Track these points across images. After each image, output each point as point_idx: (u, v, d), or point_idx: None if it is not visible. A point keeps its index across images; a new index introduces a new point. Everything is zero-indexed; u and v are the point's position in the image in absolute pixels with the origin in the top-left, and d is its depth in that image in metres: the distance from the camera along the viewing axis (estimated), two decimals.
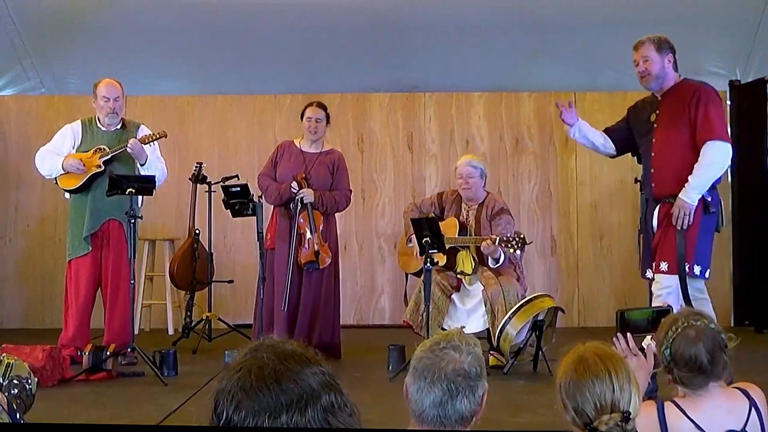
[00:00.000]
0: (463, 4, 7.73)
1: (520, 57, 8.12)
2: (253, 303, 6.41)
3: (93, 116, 6.17)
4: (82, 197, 6.02)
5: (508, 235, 5.74)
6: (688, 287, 4.85)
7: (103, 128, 6.11)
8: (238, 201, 5.88)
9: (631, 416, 2.09)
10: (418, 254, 6.00)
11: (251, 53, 8.14)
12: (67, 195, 6.17)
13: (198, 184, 7.17)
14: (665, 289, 4.87)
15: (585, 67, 8.08)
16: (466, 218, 6.17)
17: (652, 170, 5.01)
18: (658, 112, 5.06)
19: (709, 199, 4.91)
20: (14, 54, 8.19)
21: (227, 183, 6.33)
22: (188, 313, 7.00)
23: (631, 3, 7.69)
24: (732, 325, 7.84)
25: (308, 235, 6.07)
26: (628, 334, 2.81)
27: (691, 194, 4.82)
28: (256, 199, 6.06)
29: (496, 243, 5.72)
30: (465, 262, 6.05)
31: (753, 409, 2.57)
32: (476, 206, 6.17)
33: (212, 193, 7.11)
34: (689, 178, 4.83)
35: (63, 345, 5.92)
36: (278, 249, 6.12)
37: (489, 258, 5.92)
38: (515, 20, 7.79)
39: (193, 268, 7.02)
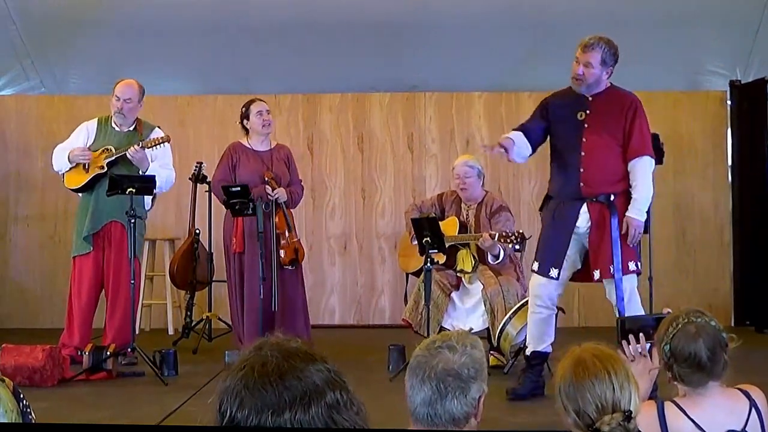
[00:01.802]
0: (463, 4, 7.73)
1: (520, 57, 8.12)
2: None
3: (110, 115, 6.16)
4: (87, 197, 6.03)
5: (507, 231, 5.76)
6: (634, 286, 5.02)
7: (116, 128, 6.10)
8: (238, 201, 5.88)
9: (633, 415, 2.09)
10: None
11: (251, 53, 8.14)
12: (76, 193, 6.18)
13: (198, 184, 7.17)
14: (624, 291, 4.94)
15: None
16: (466, 218, 6.18)
17: (582, 169, 5.00)
18: (588, 111, 5.04)
19: None
20: (14, 54, 8.19)
21: (227, 183, 6.33)
22: (188, 313, 7.00)
23: (632, 3, 7.69)
24: (732, 325, 7.84)
25: (286, 233, 6.08)
26: (641, 335, 2.80)
27: (642, 211, 5.00)
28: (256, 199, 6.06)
29: (495, 238, 5.74)
30: (465, 260, 6.06)
31: (753, 409, 2.57)
32: (475, 205, 6.19)
33: (212, 193, 7.10)
34: (637, 197, 4.98)
35: (64, 344, 5.93)
36: (252, 251, 6.02)
37: (488, 254, 5.93)
38: (515, 20, 7.79)
39: (193, 268, 7.02)
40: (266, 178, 6.08)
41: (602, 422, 2.08)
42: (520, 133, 5.16)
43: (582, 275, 5.15)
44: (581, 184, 4.99)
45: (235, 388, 1.51)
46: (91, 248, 5.98)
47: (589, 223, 5.00)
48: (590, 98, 5.07)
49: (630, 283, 4.97)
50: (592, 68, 4.98)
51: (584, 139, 5.01)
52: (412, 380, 2.17)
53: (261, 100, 6.36)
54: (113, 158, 5.93)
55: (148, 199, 6.04)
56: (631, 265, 4.97)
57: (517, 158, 5.17)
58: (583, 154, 5.00)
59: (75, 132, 6.18)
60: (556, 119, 5.14)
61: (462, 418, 2.14)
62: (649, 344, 2.75)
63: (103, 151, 5.98)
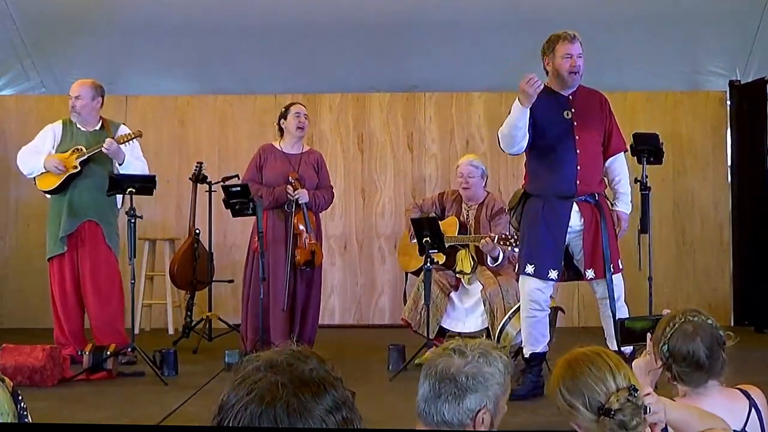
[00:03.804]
0: (463, 4, 7.73)
1: (520, 57, 8.09)
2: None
3: None
4: (60, 198, 5.99)
5: (507, 233, 5.77)
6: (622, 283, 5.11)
7: (82, 129, 6.08)
8: (239, 201, 5.88)
9: (637, 389, 2.11)
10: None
11: (251, 53, 8.14)
12: (48, 194, 6.15)
13: (198, 184, 7.18)
14: (618, 286, 5.03)
15: (585, 67, 8.07)
16: (467, 218, 6.19)
17: (579, 167, 4.97)
18: (573, 110, 5.03)
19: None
20: (14, 54, 8.19)
21: (227, 183, 6.34)
22: (188, 313, 7.00)
23: (632, 3, 7.69)
24: (732, 324, 7.84)
25: (304, 235, 6.08)
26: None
27: (630, 205, 5.14)
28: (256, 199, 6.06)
29: (495, 241, 5.75)
30: (464, 261, 6.07)
31: (753, 409, 2.57)
32: (476, 206, 6.20)
33: (212, 192, 7.12)
34: (624, 191, 5.11)
35: (60, 343, 5.92)
36: (273, 250, 6.08)
37: (488, 257, 5.94)
38: (515, 20, 7.79)
39: (194, 268, 7.02)
40: (290, 179, 6.09)
41: (610, 402, 2.10)
42: None
43: (562, 274, 5.14)
44: (578, 181, 4.98)
45: (239, 413, 1.47)
46: (66, 248, 5.97)
47: (583, 223, 5.00)
48: (570, 97, 5.06)
49: (620, 280, 5.05)
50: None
51: (577, 137, 5.01)
52: (421, 375, 2.22)
53: (301, 104, 6.41)
54: (85, 157, 5.92)
55: (119, 199, 6.01)
56: (620, 263, 5.07)
57: (524, 121, 4.87)
58: (578, 151, 5.00)
59: (40, 134, 6.12)
60: (543, 118, 5.03)
61: (455, 424, 2.13)
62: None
63: (74, 151, 5.94)
